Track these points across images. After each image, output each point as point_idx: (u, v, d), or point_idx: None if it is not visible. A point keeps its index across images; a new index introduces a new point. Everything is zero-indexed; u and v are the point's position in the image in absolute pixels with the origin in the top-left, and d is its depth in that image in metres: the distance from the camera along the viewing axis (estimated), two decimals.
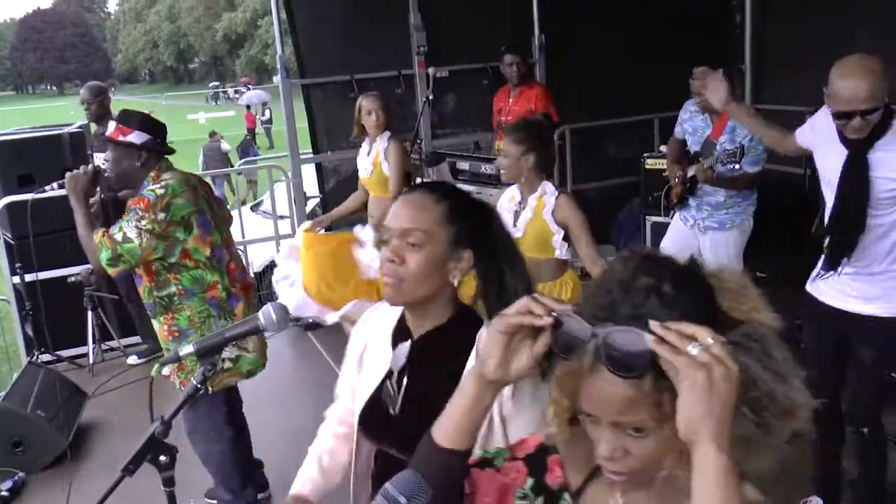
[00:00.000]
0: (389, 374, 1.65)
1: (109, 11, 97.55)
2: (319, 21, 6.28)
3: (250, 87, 40.23)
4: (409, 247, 1.55)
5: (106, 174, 3.15)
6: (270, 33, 6.84)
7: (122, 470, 1.45)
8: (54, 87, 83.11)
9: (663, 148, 5.36)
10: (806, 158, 5.15)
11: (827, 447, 3.08)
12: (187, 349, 1.53)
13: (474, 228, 1.59)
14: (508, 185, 5.13)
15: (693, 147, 4.34)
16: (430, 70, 5.62)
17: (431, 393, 1.43)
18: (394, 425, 1.60)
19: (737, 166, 4.00)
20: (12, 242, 5.40)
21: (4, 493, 4.00)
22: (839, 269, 2.85)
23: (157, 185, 3.00)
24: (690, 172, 4.26)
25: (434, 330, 1.62)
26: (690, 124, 4.36)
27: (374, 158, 4.79)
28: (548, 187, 3.40)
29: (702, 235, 4.36)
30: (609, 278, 1.01)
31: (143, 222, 2.89)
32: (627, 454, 1.01)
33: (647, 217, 5.71)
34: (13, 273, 5.34)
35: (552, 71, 6.70)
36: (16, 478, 4.10)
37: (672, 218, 4.62)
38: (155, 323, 3.19)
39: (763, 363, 0.96)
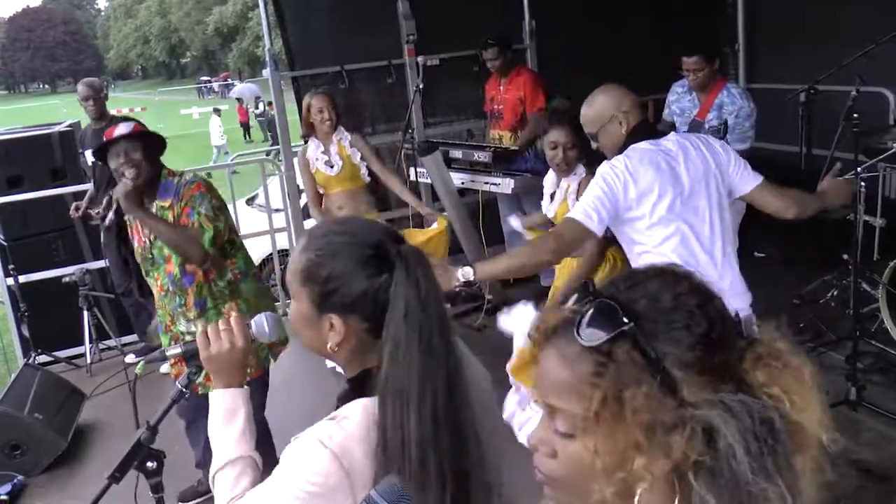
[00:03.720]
0: None
1: (99, 8, 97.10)
2: (308, 12, 6.22)
3: (230, 81, 40.15)
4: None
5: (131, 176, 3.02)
6: (261, 26, 6.84)
7: (108, 477, 1.43)
8: (47, 86, 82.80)
9: None
10: (801, 135, 5.16)
11: None
12: (174, 350, 1.51)
13: (343, 290, 1.30)
14: (502, 172, 5.15)
15: (681, 128, 4.32)
16: (420, 59, 5.57)
17: None
18: None
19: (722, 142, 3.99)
20: (5, 244, 5.37)
21: (3, 497, 3.99)
22: None
23: (189, 174, 3.12)
24: None
25: (352, 378, 1.40)
26: (678, 105, 4.35)
27: (339, 153, 4.70)
28: (579, 169, 3.51)
29: None
30: (635, 269, 0.95)
31: (214, 202, 2.99)
32: (554, 455, 0.89)
33: None
34: (7, 275, 5.31)
35: (543, 54, 6.65)
36: (15, 481, 4.09)
37: None
38: (212, 312, 3.14)
39: (745, 430, 0.81)
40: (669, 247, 2.62)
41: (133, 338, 5.63)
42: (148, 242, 3.14)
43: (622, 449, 0.83)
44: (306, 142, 4.83)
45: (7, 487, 4.04)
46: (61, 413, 4.40)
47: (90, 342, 5.40)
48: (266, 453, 1.48)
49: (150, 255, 3.16)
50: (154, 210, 3.02)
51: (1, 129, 6.76)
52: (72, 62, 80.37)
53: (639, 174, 2.60)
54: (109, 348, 5.56)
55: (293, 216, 6.10)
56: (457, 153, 5.39)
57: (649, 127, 2.79)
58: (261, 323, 1.48)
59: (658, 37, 6.17)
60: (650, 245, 2.66)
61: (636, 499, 0.84)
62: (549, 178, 3.72)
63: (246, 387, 1.51)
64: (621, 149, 2.70)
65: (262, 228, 6.33)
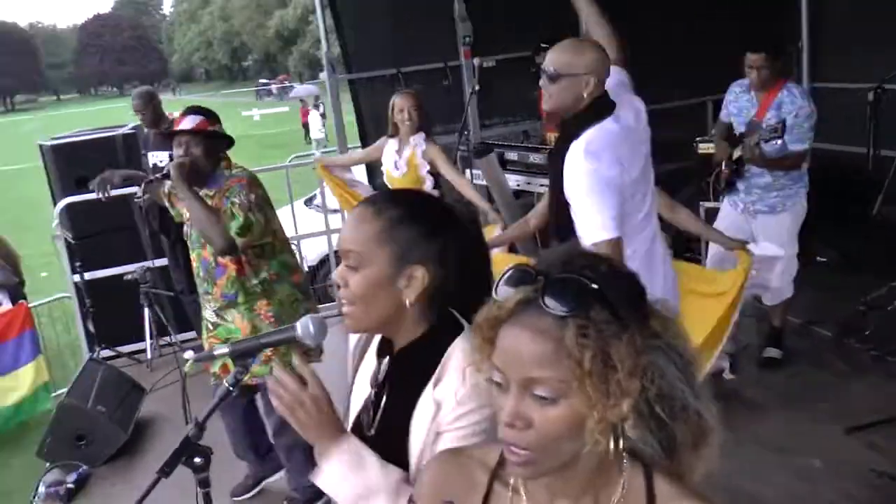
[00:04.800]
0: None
1: (165, 13, 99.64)
2: (365, 16, 6.28)
3: (288, 83, 40.78)
4: (349, 269, 1.42)
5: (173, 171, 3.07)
6: (328, 23, 6.93)
7: (157, 472, 1.46)
8: (115, 89, 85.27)
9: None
10: (869, 136, 5.00)
11: None
12: (222, 350, 1.52)
13: (424, 240, 1.41)
14: None
15: (739, 129, 4.22)
16: (476, 60, 5.57)
17: (403, 415, 1.39)
18: (371, 448, 1.41)
19: (779, 142, 3.89)
20: (72, 242, 5.54)
21: (70, 486, 4.13)
22: None
23: (238, 170, 3.15)
24: (736, 154, 4.15)
25: (409, 346, 1.45)
26: (736, 105, 4.25)
27: (408, 159, 4.68)
28: None
29: (752, 220, 4.24)
30: (546, 254, 1.07)
31: (252, 196, 3.00)
32: (529, 426, 0.98)
33: (700, 203, 5.57)
34: (74, 271, 5.49)
35: None
36: (80, 470, 4.23)
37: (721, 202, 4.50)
38: (236, 314, 3.21)
39: (675, 364, 1.00)
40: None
41: (191, 334, 5.74)
42: (189, 225, 3.25)
43: (614, 395, 0.95)
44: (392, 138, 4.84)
45: (73, 476, 4.18)
46: (122, 406, 4.52)
47: (150, 338, 5.54)
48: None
49: (190, 236, 3.26)
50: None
51: (71, 131, 6.99)
52: (138, 66, 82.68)
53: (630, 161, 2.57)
54: (169, 344, 5.69)
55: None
56: (512, 155, 5.37)
57: (608, 102, 2.61)
58: (306, 325, 1.46)
59: (718, 36, 6.05)
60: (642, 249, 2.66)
61: (621, 436, 1.00)
62: None
63: (348, 436, 1.43)
64: (573, 114, 2.58)
65: (319, 229, 6.40)
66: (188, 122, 3.07)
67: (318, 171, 5.29)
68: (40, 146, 5.88)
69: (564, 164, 2.54)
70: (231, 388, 1.47)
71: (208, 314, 3.33)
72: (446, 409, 1.35)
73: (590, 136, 2.51)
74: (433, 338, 1.43)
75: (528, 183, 5.25)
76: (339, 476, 1.37)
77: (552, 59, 2.59)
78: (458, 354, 1.38)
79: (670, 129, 6.82)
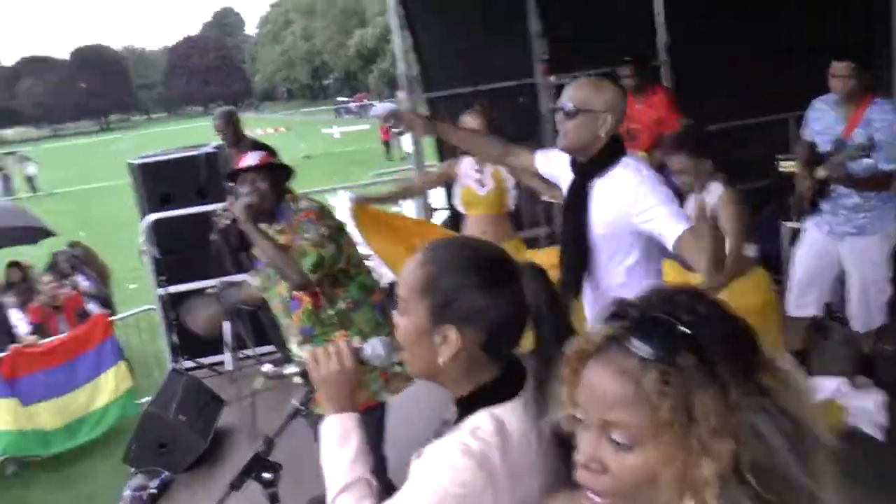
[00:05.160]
0: None
1: (249, 34, 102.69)
2: (443, 35, 6.34)
3: (367, 101, 41.43)
4: (397, 313, 1.42)
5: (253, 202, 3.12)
6: (406, 42, 7.07)
7: (228, 485, 1.50)
8: (200, 108, 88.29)
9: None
10: None
11: None
12: (292, 369, 1.55)
13: (467, 298, 1.33)
14: None
15: (823, 147, 4.03)
16: (553, 78, 5.54)
17: None
18: None
19: (867, 160, 3.73)
20: (158, 257, 5.75)
21: (153, 490, 4.28)
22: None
23: (304, 201, 3.14)
24: (820, 174, 3.95)
25: (463, 398, 1.40)
26: (820, 123, 4.06)
27: (492, 173, 4.54)
28: (715, 188, 3.41)
29: (839, 242, 4.06)
30: (649, 291, 0.99)
31: (323, 230, 2.99)
32: (605, 470, 0.92)
33: (783, 223, 5.41)
34: (159, 285, 5.69)
35: (679, 71, 6.49)
36: (163, 476, 4.38)
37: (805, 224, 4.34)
38: (322, 338, 3.13)
39: (783, 431, 0.88)
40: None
41: (270, 348, 5.86)
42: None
43: (692, 454, 0.87)
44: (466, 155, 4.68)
45: (157, 482, 4.34)
46: (202, 416, 4.66)
47: (230, 351, 5.68)
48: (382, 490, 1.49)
49: (267, 274, 3.24)
50: (270, 234, 3.08)
51: (157, 150, 7.27)
52: (222, 86, 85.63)
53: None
54: (248, 357, 5.82)
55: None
56: None
57: (622, 144, 2.62)
58: (374, 346, 1.50)
59: (800, 48, 5.87)
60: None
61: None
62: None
63: (357, 413, 1.52)
64: (589, 158, 2.57)
65: None
66: (252, 159, 3.11)
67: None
68: (129, 164, 6.13)
69: (592, 202, 2.56)
70: (300, 407, 1.50)
71: (293, 347, 3.31)
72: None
73: (623, 164, 2.54)
74: (483, 395, 1.36)
75: None
76: (327, 439, 1.49)
77: (570, 95, 2.57)
78: (486, 420, 1.32)
79: (750, 146, 6.70)
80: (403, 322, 1.40)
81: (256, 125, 42.07)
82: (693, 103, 5.85)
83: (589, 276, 2.67)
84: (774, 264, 5.49)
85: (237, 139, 5.54)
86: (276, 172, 3.14)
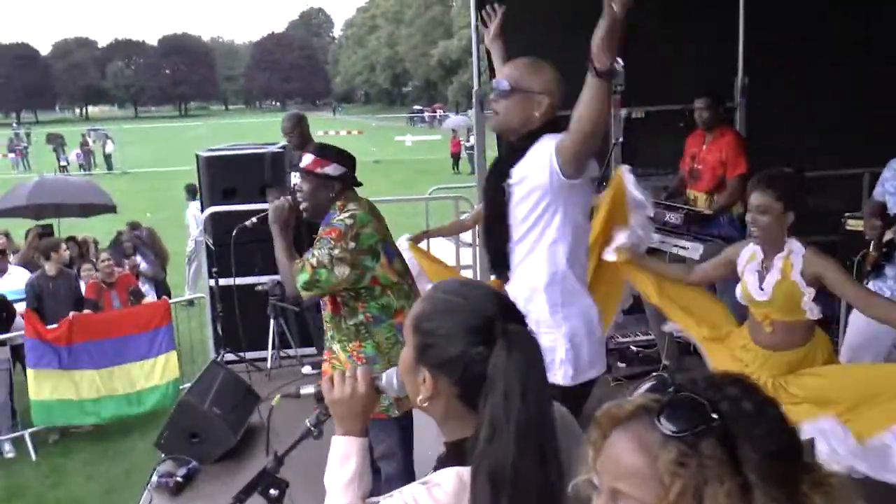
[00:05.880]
0: None
1: (334, 36, 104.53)
2: (515, 55, 6.32)
3: (441, 112, 41.62)
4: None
5: (299, 203, 3.20)
6: (483, 61, 7.15)
7: (233, 498, 1.50)
8: (278, 103, 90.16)
9: None
10: None
11: None
12: (308, 389, 1.57)
13: (440, 348, 1.32)
14: (693, 236, 4.93)
15: (893, 209, 3.91)
16: (623, 111, 5.47)
17: None
18: None
19: None
20: (213, 248, 5.85)
21: (179, 479, 4.34)
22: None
23: (346, 215, 3.07)
24: (888, 236, 3.84)
25: (448, 445, 1.38)
26: (893, 183, 3.94)
27: None
28: (794, 245, 3.14)
29: None
30: (704, 371, 0.95)
31: (336, 251, 2.96)
32: None
33: None
34: (210, 276, 5.79)
35: (754, 115, 6.34)
36: (190, 465, 4.43)
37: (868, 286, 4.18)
38: (336, 346, 3.22)
39: None
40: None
41: (312, 350, 5.91)
42: None
43: None
44: None
45: (184, 470, 4.39)
46: (236, 411, 4.70)
47: (273, 348, 5.75)
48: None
49: None
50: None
51: (232, 142, 7.44)
52: (303, 83, 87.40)
53: None
54: (289, 357, 5.89)
55: (480, 254, 6.18)
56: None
57: (561, 126, 2.48)
58: (391, 376, 1.50)
59: (888, 104, 5.68)
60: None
61: None
62: (747, 255, 3.32)
63: (364, 438, 1.53)
64: (518, 132, 2.49)
65: (449, 263, 6.47)
66: (305, 160, 3.15)
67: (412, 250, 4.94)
68: (197, 156, 6.27)
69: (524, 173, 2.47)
70: (312, 428, 1.51)
71: (328, 341, 3.35)
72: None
73: (551, 136, 2.44)
74: (457, 451, 1.32)
75: (663, 242, 5.09)
76: (331, 457, 1.53)
77: (506, 74, 2.49)
78: (450, 479, 1.29)
79: (821, 198, 6.50)
80: (403, 351, 1.40)
81: (331, 126, 42.91)
82: (765, 148, 5.72)
83: (513, 258, 2.61)
84: (833, 328, 5.32)
85: (303, 142, 5.61)
86: (323, 178, 3.13)
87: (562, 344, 2.60)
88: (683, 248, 4.94)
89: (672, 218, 5.05)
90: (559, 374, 2.60)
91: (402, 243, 4.50)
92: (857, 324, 4.10)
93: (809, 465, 0.89)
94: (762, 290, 3.15)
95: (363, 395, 1.52)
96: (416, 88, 76.44)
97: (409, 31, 72.50)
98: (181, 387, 5.79)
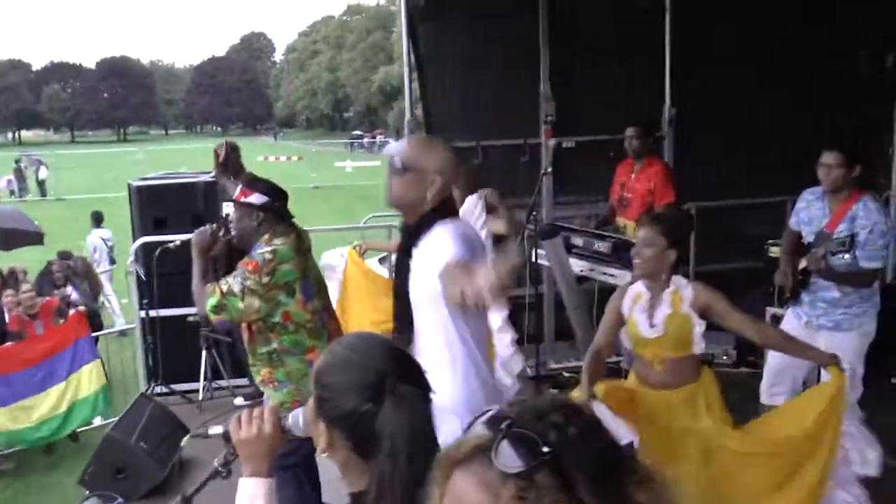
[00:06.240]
0: None
1: (275, 60, 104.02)
2: (450, 86, 6.42)
3: (380, 139, 41.86)
4: None
5: (230, 231, 3.30)
6: (416, 90, 7.17)
7: None
8: (219, 128, 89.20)
9: None
10: None
11: None
12: (216, 429, 1.58)
13: (334, 403, 1.35)
14: (621, 264, 5.03)
15: (807, 238, 4.06)
16: (552, 142, 5.58)
17: None
18: None
19: (846, 256, 3.73)
20: (144, 279, 5.76)
21: None
22: None
23: (268, 249, 3.11)
24: (802, 264, 3.98)
25: (349, 495, 1.41)
26: (806, 213, 4.09)
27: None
28: (680, 281, 3.21)
29: (815, 334, 4.03)
30: (530, 401, 1.00)
31: (248, 282, 3.01)
32: None
33: (767, 308, 5.41)
34: (141, 307, 5.70)
35: (681, 145, 6.53)
36: (116, 501, 4.33)
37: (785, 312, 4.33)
38: (253, 369, 3.30)
39: None
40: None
41: (244, 381, 5.84)
42: None
43: None
44: None
45: None
46: (164, 445, 4.62)
47: (205, 380, 5.67)
48: None
49: None
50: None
51: (165, 170, 7.36)
52: (244, 108, 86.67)
53: None
54: (222, 388, 5.81)
55: None
56: (578, 240, 5.32)
57: (452, 207, 2.56)
58: (297, 416, 1.52)
59: (808, 134, 5.92)
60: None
61: None
62: (632, 295, 3.33)
63: (271, 479, 1.55)
64: (412, 211, 2.51)
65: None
66: (236, 191, 3.25)
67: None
68: (129, 185, 6.19)
69: (418, 264, 2.48)
70: (221, 469, 1.52)
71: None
72: None
73: (445, 225, 2.45)
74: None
75: (592, 269, 5.20)
76: (239, 497, 1.56)
77: (400, 151, 2.52)
78: None
79: (746, 226, 6.72)
80: (309, 400, 1.43)
81: (272, 152, 42.56)
82: (692, 177, 5.89)
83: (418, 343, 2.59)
84: (756, 350, 5.48)
85: (236, 171, 5.56)
86: (247, 206, 3.18)
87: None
88: (612, 275, 5.05)
89: (601, 246, 5.16)
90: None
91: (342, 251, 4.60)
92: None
93: (632, 466, 0.94)
94: (653, 326, 3.18)
95: (269, 436, 1.53)
96: (357, 114, 76.45)
97: (350, 56, 72.62)
98: (110, 419, 5.66)
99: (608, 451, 0.95)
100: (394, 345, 1.48)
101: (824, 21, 6.18)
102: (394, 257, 5.65)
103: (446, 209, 2.52)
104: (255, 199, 3.17)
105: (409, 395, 1.32)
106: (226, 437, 1.57)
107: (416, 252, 2.51)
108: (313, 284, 3.25)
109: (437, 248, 2.40)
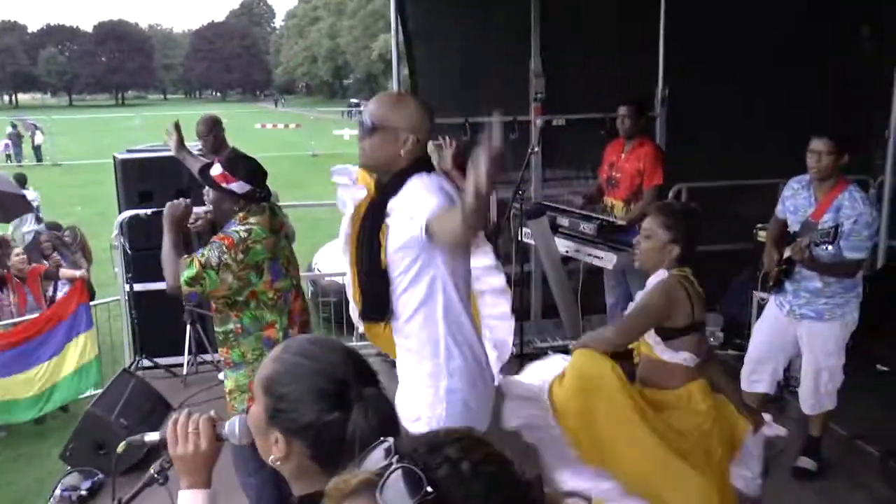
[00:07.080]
0: None
1: (275, 26, 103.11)
2: (438, 61, 6.35)
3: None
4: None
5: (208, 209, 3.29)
6: (405, 61, 7.09)
7: None
8: (218, 94, 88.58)
9: None
10: None
11: None
12: (153, 436, 1.58)
13: (293, 414, 1.31)
14: (608, 245, 4.99)
15: (793, 227, 4.02)
16: (539, 120, 5.52)
17: None
18: None
19: (829, 247, 3.69)
20: (129, 253, 5.73)
21: (83, 493, 4.25)
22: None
23: (243, 228, 3.11)
24: (787, 253, 3.94)
25: (300, 500, 1.38)
26: (792, 202, 4.05)
27: None
28: (662, 274, 2.98)
29: (797, 324, 4.03)
30: (431, 433, 0.98)
31: (225, 257, 3.01)
32: None
33: (753, 292, 5.39)
34: (126, 281, 5.68)
35: (674, 125, 6.47)
36: (95, 478, 4.35)
37: (769, 299, 4.31)
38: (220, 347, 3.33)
39: None
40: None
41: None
42: None
43: None
44: None
45: (88, 483, 4.31)
46: (146, 422, 4.61)
47: (189, 354, 5.67)
48: None
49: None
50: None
51: (144, 144, 7.29)
52: (243, 74, 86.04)
53: None
54: (206, 362, 5.81)
55: None
56: (564, 221, 5.29)
57: (429, 163, 2.47)
58: (233, 425, 1.50)
59: (804, 118, 5.86)
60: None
61: None
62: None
63: (209, 490, 1.53)
64: (386, 170, 2.43)
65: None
66: (214, 170, 3.17)
67: None
68: (114, 158, 6.13)
69: (397, 221, 2.39)
70: (157, 476, 1.50)
71: None
72: None
73: (421, 178, 2.38)
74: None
75: (577, 251, 5.17)
76: None
77: (370, 110, 2.44)
78: None
79: (738, 207, 6.66)
80: (252, 409, 1.40)
81: (270, 119, 42.26)
82: (684, 158, 5.84)
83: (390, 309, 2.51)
84: (743, 332, 5.48)
85: (218, 147, 5.52)
86: (228, 192, 3.14)
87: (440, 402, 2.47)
88: (598, 257, 5.03)
89: (586, 228, 5.13)
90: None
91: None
92: (760, 337, 4.23)
93: (534, 500, 0.93)
94: None
95: (207, 449, 1.53)
96: (356, 81, 75.84)
97: (350, 23, 71.88)
98: (97, 391, 5.67)
99: (506, 486, 0.92)
100: (346, 346, 1.43)
101: None
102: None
103: (421, 167, 2.44)
104: (238, 187, 3.14)
105: (374, 396, 1.31)
106: (163, 443, 1.55)
107: (392, 208, 2.43)
108: (282, 265, 3.23)
109: (417, 201, 2.33)
